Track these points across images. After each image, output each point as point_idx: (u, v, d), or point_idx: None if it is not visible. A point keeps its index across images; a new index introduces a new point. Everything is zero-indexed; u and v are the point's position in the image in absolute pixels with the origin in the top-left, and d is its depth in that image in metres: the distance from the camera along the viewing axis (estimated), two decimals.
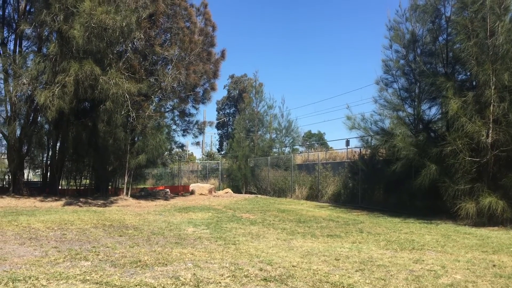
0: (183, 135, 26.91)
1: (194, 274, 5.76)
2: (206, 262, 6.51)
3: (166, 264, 6.31)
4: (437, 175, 12.91)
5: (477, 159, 12.46)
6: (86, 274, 5.67)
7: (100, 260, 6.54)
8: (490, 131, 12.20)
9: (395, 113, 16.47)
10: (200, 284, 5.30)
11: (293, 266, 6.33)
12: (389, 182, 16.62)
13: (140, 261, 6.47)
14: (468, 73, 14.04)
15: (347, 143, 27.33)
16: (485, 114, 12.35)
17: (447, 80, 13.48)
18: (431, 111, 16.07)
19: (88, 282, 5.29)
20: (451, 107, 12.53)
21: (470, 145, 12.38)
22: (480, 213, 12.00)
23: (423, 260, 6.93)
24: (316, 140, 58.82)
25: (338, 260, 6.83)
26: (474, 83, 13.74)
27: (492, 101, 12.20)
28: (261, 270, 6.02)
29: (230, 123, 68.65)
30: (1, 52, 18.06)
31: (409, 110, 16.34)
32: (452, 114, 12.62)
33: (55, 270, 5.85)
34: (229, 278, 5.62)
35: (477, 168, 12.58)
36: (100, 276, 5.57)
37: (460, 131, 12.40)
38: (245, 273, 5.85)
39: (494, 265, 6.69)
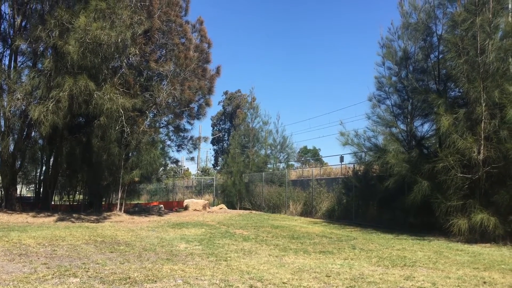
0: (178, 151, 26.84)
1: None
2: (196, 278, 6.48)
3: (155, 281, 6.28)
4: (429, 191, 12.94)
5: (469, 176, 12.51)
6: None
7: (89, 276, 6.49)
8: (482, 148, 12.27)
9: (388, 130, 16.57)
10: None
11: (284, 282, 6.31)
12: (383, 198, 16.63)
13: (129, 277, 6.43)
14: (460, 90, 14.17)
15: (341, 159, 27.42)
16: (476, 131, 12.43)
17: (439, 97, 13.62)
18: (424, 128, 16.17)
19: None
20: (443, 123, 12.61)
21: (461, 162, 12.43)
22: (472, 230, 12.01)
23: (414, 277, 6.92)
24: (311, 156, 58.86)
25: (329, 276, 6.82)
26: (465, 100, 13.85)
27: (483, 118, 12.31)
28: (251, 287, 6.00)
29: (226, 138, 68.68)
30: None
31: (402, 126, 16.44)
32: (443, 131, 12.70)
33: (42, 287, 5.82)
34: None
35: (469, 184, 12.62)
36: None
37: (452, 148, 12.46)
38: None
39: (484, 282, 6.70)
